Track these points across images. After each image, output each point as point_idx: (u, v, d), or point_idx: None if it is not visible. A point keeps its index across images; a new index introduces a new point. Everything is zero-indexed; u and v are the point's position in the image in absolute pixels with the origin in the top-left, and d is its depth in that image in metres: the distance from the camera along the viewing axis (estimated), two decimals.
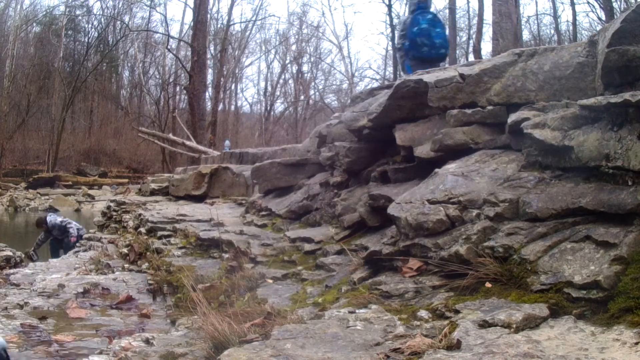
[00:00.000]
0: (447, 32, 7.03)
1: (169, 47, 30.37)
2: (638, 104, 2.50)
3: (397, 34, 6.65)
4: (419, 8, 6.36)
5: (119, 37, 34.30)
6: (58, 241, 9.46)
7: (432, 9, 6.80)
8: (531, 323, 2.20)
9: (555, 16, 25.20)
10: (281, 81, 36.89)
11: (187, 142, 17.72)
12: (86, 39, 37.38)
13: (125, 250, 5.92)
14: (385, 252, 3.28)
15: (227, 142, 17.92)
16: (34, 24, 35.49)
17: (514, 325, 2.16)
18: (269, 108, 39.03)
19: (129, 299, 4.27)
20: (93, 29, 37.40)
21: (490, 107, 3.78)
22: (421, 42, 6.11)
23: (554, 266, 2.45)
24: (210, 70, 29.99)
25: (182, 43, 31.14)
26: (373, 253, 3.35)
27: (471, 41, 26.01)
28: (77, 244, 8.36)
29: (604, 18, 17.24)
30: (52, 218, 9.74)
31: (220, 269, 4.21)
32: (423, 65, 5.81)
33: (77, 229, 9.36)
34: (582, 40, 10.16)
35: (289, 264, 4.11)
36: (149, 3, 33.90)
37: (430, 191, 3.32)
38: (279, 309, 2.90)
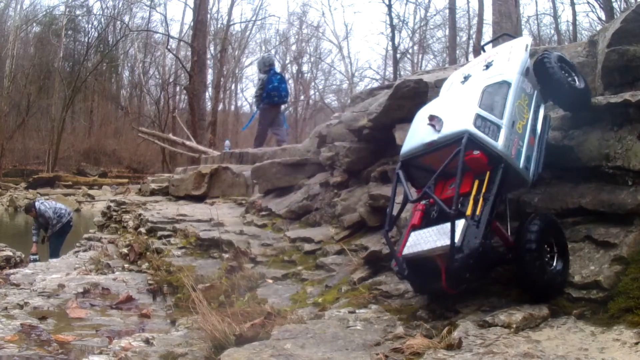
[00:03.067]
0: (288, 85, 10.68)
1: (169, 47, 30.37)
2: (638, 104, 2.51)
3: (256, 86, 9.59)
4: (271, 69, 9.41)
5: (119, 37, 34.28)
6: (45, 229, 9.16)
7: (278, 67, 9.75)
8: (531, 323, 2.20)
9: (555, 16, 25.20)
10: None
11: (187, 142, 17.69)
12: (86, 39, 37.38)
13: (125, 250, 5.92)
14: (385, 252, 3.28)
15: (227, 142, 17.88)
16: (34, 24, 35.48)
17: (514, 325, 2.16)
18: None
19: (129, 299, 4.27)
20: (93, 29, 37.41)
21: None
22: (273, 94, 9.20)
23: None
24: (210, 70, 30.02)
25: (182, 43, 31.13)
26: (373, 253, 3.35)
27: (471, 41, 26.02)
28: (56, 226, 8.90)
29: (604, 18, 17.25)
30: (39, 204, 9.34)
31: (220, 269, 4.21)
32: (273, 107, 9.38)
33: (54, 212, 9.06)
34: (582, 40, 10.15)
35: (289, 264, 4.11)
36: (149, 3, 33.90)
37: None
38: (279, 309, 2.91)
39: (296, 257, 4.19)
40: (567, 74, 2.74)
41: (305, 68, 38.51)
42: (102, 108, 37.65)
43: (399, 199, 2.81)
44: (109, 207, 9.10)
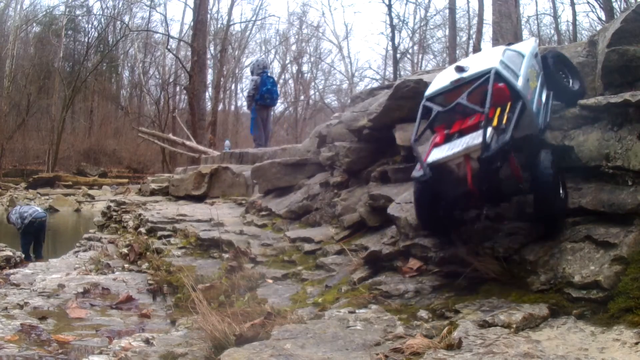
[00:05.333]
0: (277, 88, 10.82)
1: (169, 47, 30.35)
2: (638, 104, 2.51)
3: (249, 86, 9.90)
4: (264, 72, 9.77)
5: (119, 37, 34.25)
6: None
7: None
8: (531, 323, 2.20)
9: (555, 16, 25.16)
10: (281, 81, 36.79)
11: (187, 142, 17.68)
12: (86, 39, 37.37)
13: (125, 250, 5.91)
14: (385, 252, 3.28)
15: (227, 142, 17.89)
16: (34, 24, 35.47)
17: (514, 325, 2.16)
18: None
19: (129, 299, 4.27)
20: (93, 29, 37.40)
21: None
22: (266, 96, 9.65)
23: (554, 266, 2.46)
24: (210, 70, 29.99)
25: (182, 43, 31.12)
26: (373, 253, 3.35)
27: (471, 41, 25.99)
28: (21, 228, 9.35)
29: (604, 18, 17.23)
30: (10, 211, 10.23)
31: (220, 269, 4.21)
32: (265, 109, 9.91)
33: (19, 215, 9.58)
34: (582, 40, 10.15)
35: (289, 264, 4.11)
36: (149, 3, 33.87)
37: None
38: (279, 309, 2.90)
39: (296, 257, 4.18)
40: (564, 75, 3.15)
41: (305, 68, 38.53)
42: (102, 108, 37.65)
43: (399, 198, 2.82)
44: (109, 207, 9.10)
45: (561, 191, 2.67)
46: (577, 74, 3.26)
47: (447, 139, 2.73)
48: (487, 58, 2.87)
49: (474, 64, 2.84)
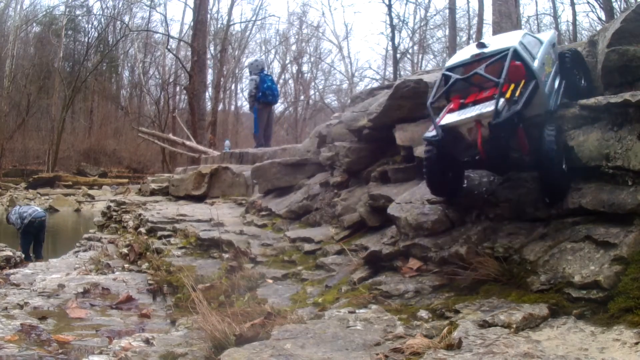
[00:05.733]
0: (277, 86, 11.10)
1: (169, 47, 30.32)
2: (638, 104, 2.50)
3: (249, 86, 9.97)
4: (261, 72, 9.93)
5: (119, 37, 34.21)
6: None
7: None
8: (531, 323, 2.20)
9: (555, 16, 25.14)
10: (281, 81, 36.76)
11: (187, 142, 17.67)
12: (86, 39, 37.35)
13: (125, 250, 5.91)
14: (385, 252, 3.28)
15: (227, 142, 17.87)
16: (34, 24, 35.46)
17: (514, 325, 2.16)
18: None
19: (129, 299, 4.26)
20: (93, 29, 37.38)
21: None
22: (268, 93, 9.78)
23: (554, 266, 2.46)
24: (210, 70, 29.95)
25: (182, 43, 31.10)
26: (373, 253, 3.35)
27: (471, 41, 25.98)
28: (21, 228, 9.32)
29: (604, 18, 17.23)
30: (9, 212, 10.18)
31: (220, 269, 4.21)
32: (266, 107, 9.92)
33: (19, 216, 9.60)
34: (582, 40, 10.15)
35: (289, 264, 4.10)
36: (149, 3, 33.83)
37: None
38: (279, 309, 2.90)
39: (296, 257, 4.18)
40: (577, 73, 3.34)
41: (305, 68, 38.49)
42: (102, 108, 37.63)
43: (399, 198, 2.82)
44: (109, 207, 9.11)
45: (564, 166, 2.79)
46: (588, 74, 3.43)
47: (462, 107, 2.87)
48: (507, 38, 3.06)
49: (495, 42, 3.02)
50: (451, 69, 3.06)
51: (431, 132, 2.89)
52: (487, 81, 2.79)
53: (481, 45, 2.99)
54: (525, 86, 2.76)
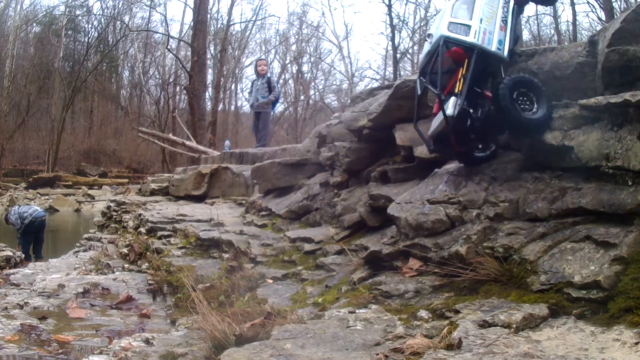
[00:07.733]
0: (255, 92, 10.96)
1: (169, 47, 30.33)
2: (638, 104, 2.50)
3: (260, 88, 10.07)
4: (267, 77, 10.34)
5: (119, 37, 34.23)
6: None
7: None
8: (531, 323, 2.20)
9: (555, 16, 25.13)
10: (281, 81, 36.76)
11: (187, 142, 17.69)
12: (86, 39, 37.36)
13: (125, 250, 5.91)
14: (385, 252, 3.28)
15: (227, 142, 17.87)
16: (34, 24, 35.47)
17: (514, 325, 2.16)
18: None
19: (129, 299, 4.26)
20: (93, 29, 37.39)
21: None
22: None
23: (554, 266, 2.46)
24: (210, 70, 29.94)
25: (182, 43, 31.12)
26: (373, 253, 3.35)
27: None
28: (21, 228, 9.42)
29: (604, 18, 17.23)
30: (8, 212, 10.26)
31: (220, 269, 4.21)
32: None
33: (19, 216, 9.63)
34: (582, 40, 10.14)
35: (289, 264, 4.10)
36: (149, 3, 33.86)
37: (430, 191, 3.33)
38: (279, 309, 2.90)
39: (296, 257, 4.18)
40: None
41: (305, 68, 38.50)
42: (102, 108, 37.65)
43: (399, 198, 2.87)
44: (109, 207, 9.11)
45: (535, 107, 2.96)
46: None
47: (440, 105, 3.08)
48: (439, 20, 3.20)
49: (434, 30, 3.21)
50: (422, 71, 3.30)
51: (437, 123, 3.15)
52: (455, 67, 3.02)
53: (430, 36, 3.22)
54: (467, 67, 2.95)
